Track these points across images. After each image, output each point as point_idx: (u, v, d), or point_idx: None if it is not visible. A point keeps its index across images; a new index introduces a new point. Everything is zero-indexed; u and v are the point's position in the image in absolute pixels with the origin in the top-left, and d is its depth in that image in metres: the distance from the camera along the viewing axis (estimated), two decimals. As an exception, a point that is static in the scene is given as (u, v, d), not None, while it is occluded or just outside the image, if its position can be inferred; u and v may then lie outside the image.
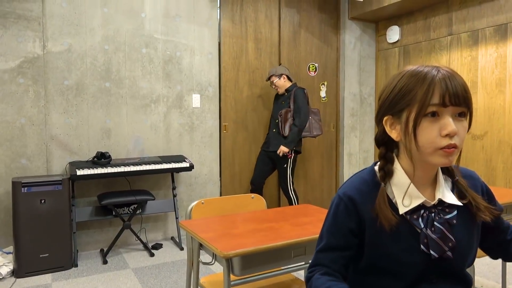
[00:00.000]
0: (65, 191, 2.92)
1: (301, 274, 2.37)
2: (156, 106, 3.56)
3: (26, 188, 2.78)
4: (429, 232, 0.90)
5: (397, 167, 0.93)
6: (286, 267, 1.46)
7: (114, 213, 3.23)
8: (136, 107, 3.48)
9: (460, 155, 0.89)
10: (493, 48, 3.68)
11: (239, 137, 4.14)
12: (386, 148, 0.95)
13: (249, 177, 4.21)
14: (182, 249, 3.39)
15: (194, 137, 3.76)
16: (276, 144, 3.72)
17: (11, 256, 2.92)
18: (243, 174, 4.18)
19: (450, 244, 0.91)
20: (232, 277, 1.34)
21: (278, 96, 3.90)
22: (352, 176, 0.99)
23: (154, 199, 3.22)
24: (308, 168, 4.59)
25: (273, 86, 3.82)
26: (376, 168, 0.96)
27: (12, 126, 3.03)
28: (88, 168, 3.02)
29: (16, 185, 2.76)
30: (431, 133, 0.84)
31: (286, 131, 3.68)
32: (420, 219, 0.91)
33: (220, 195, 3.99)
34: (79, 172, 2.94)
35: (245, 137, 4.17)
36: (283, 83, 3.78)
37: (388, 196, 0.92)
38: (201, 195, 3.81)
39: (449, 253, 0.91)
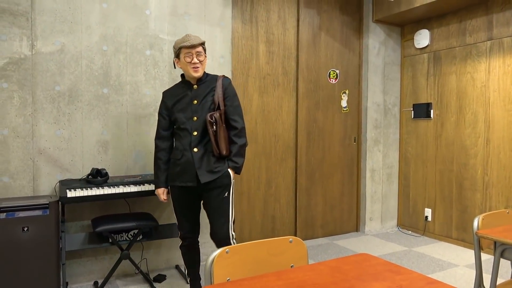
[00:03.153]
0: (53, 216, 2.46)
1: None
2: (160, 115, 3.12)
3: (5, 214, 2.32)
4: None
5: None
6: None
7: (110, 241, 2.77)
8: (138, 117, 3.04)
9: None
10: (543, 54, 3.25)
11: (248, 151, 3.69)
12: None
13: (258, 196, 3.76)
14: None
15: (203, 151, 3.31)
16: (209, 172, 2.28)
17: (-13, 293, 2.46)
18: (251, 193, 3.73)
19: None
20: None
21: (183, 89, 2.38)
22: None
23: (157, 225, 2.76)
24: (326, 186, 4.14)
25: (195, 61, 2.27)
26: None
27: (-7, 138, 2.58)
28: (81, 188, 2.57)
29: (-6, 209, 2.31)
30: None
31: (223, 148, 2.28)
32: None
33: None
34: (70, 194, 2.49)
35: (254, 150, 3.73)
36: (205, 65, 2.40)
37: None
38: (210, 217, 3.35)
39: None
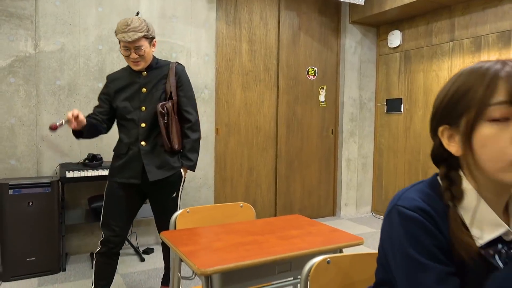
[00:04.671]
0: (54, 193, 2.85)
1: None
2: (150, 108, 3.49)
3: (13, 190, 2.71)
4: None
5: (468, 187, 0.73)
6: (271, 283, 1.39)
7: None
8: (130, 109, 3.41)
9: None
10: (496, 55, 3.60)
11: (231, 141, 4.07)
12: (448, 165, 0.76)
13: (240, 182, 4.14)
14: (173, 254, 3.32)
15: (189, 140, 3.69)
16: (160, 169, 2.08)
17: (-3, 259, 2.85)
18: (234, 179, 4.10)
19: None
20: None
21: (130, 75, 2.12)
22: (409, 189, 0.76)
23: (145, 203, 3.14)
24: (305, 174, 4.51)
25: (133, 57, 2.01)
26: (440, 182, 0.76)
27: (2, 126, 2.96)
28: (79, 170, 2.95)
29: (3, 187, 2.69)
30: (500, 142, 0.65)
31: (175, 142, 2.09)
32: (496, 256, 0.70)
33: (214, 200, 3.92)
34: (69, 175, 2.87)
35: (238, 140, 4.10)
36: (151, 53, 2.09)
37: (462, 220, 0.72)
38: (195, 199, 3.74)
39: None
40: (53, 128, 1.81)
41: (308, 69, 4.47)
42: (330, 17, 4.60)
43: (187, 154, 2.12)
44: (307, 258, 1.08)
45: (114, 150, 2.18)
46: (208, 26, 3.73)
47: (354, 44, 4.65)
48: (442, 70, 4.07)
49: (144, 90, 2.09)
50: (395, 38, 4.54)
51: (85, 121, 1.90)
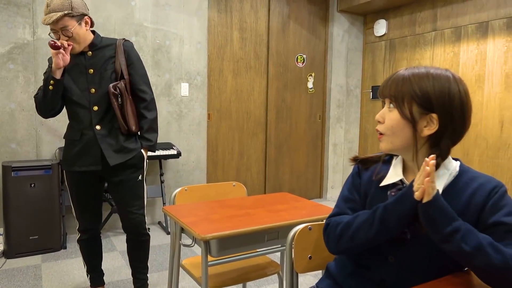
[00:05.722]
0: (55, 175, 2.99)
1: (277, 256, 2.50)
2: (145, 94, 3.62)
3: (16, 172, 2.85)
4: None
5: None
6: (261, 249, 1.58)
7: (103, 198, 3.31)
8: (125, 95, 3.54)
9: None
10: (474, 45, 3.80)
11: (223, 126, 4.23)
12: None
13: (231, 165, 4.32)
14: (168, 233, 3.51)
15: (182, 125, 3.84)
16: (118, 152, 1.97)
17: (1, 238, 3.00)
18: (226, 162, 4.28)
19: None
20: (210, 258, 1.46)
21: (73, 55, 1.90)
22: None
23: (142, 185, 3.31)
24: (293, 158, 4.71)
25: (62, 39, 1.81)
26: None
27: (2, 111, 3.08)
28: (77, 153, 3.09)
29: (6, 169, 2.83)
30: None
31: (132, 124, 1.99)
32: (392, 193, 1.00)
33: (206, 183, 4.10)
34: (68, 158, 3.01)
35: (229, 125, 4.27)
36: (84, 33, 1.88)
37: (382, 170, 1.07)
38: (188, 182, 3.91)
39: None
40: (57, 46, 1.72)
41: (297, 57, 4.62)
42: (318, 6, 4.74)
43: (145, 135, 2.04)
44: (292, 227, 1.27)
45: (66, 136, 2.03)
46: (200, 14, 3.84)
47: (341, 33, 4.80)
48: (424, 59, 4.26)
49: (91, 71, 1.93)
50: (381, 27, 4.71)
51: (68, 60, 1.81)
